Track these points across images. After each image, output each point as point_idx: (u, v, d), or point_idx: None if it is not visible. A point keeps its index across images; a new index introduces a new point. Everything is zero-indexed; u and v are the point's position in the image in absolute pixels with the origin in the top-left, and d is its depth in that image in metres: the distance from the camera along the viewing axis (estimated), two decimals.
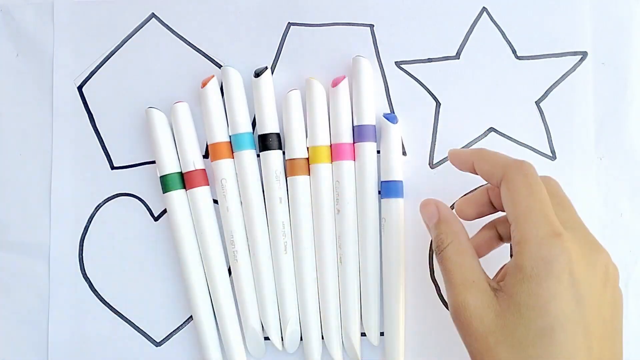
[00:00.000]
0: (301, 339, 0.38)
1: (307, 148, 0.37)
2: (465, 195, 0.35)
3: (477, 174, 0.32)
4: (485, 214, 0.34)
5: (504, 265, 0.33)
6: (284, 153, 0.38)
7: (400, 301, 0.36)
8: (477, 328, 0.27)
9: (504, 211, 0.31)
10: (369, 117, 0.37)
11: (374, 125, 0.37)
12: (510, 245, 0.34)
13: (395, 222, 0.35)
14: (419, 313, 0.37)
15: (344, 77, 0.37)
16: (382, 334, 0.37)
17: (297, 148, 0.37)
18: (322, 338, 0.38)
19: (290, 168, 0.37)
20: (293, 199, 0.37)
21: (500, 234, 0.34)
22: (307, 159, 0.37)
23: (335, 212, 0.37)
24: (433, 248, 0.32)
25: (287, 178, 0.38)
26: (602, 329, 0.27)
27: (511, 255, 0.33)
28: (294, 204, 0.37)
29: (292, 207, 0.37)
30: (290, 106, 0.37)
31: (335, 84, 0.37)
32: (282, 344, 0.38)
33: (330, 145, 0.37)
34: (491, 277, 0.30)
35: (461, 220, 0.32)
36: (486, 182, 0.33)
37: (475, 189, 0.35)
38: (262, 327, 0.38)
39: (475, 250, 0.32)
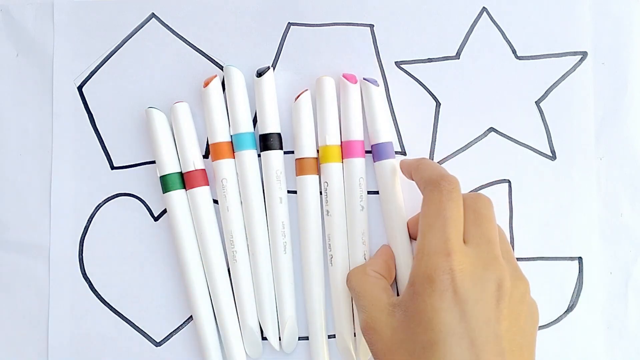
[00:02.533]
0: (298, 339, 0.38)
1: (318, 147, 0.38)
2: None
3: None
4: None
5: None
6: (284, 153, 0.38)
7: None
8: (379, 347, 0.30)
9: None
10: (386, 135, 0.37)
11: (391, 142, 0.37)
12: None
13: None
14: None
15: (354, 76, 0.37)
16: None
17: (306, 147, 0.37)
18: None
19: (299, 167, 0.37)
20: (302, 198, 0.37)
21: None
22: (317, 158, 0.38)
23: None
24: None
25: (297, 177, 0.38)
26: (494, 343, 0.27)
27: None
28: (302, 203, 0.37)
29: (300, 207, 0.37)
30: (302, 106, 0.37)
31: (350, 78, 0.37)
32: (280, 345, 0.38)
33: (341, 144, 0.37)
34: None
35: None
36: None
37: None
38: (260, 327, 0.38)
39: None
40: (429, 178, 0.31)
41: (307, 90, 0.38)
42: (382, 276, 0.34)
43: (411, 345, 0.28)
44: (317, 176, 0.38)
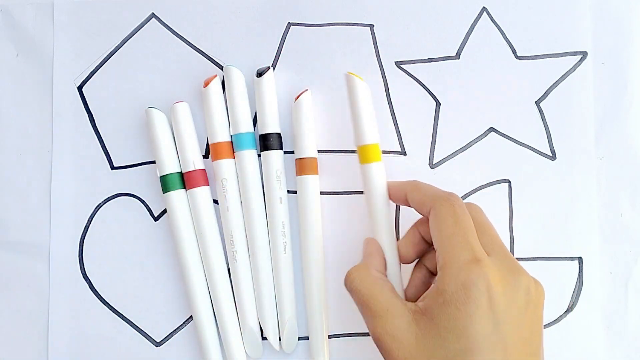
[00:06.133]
0: (299, 339, 0.38)
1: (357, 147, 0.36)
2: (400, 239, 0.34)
3: (409, 205, 0.33)
4: (423, 251, 0.34)
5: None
6: (284, 153, 0.38)
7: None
8: (398, 354, 0.28)
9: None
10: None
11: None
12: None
13: None
14: None
15: None
16: None
17: (306, 147, 0.37)
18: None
19: (299, 167, 0.37)
20: (302, 198, 0.37)
21: (430, 270, 0.34)
22: (316, 158, 0.38)
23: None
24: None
25: (296, 177, 0.38)
26: (522, 346, 0.28)
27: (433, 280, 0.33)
28: (302, 203, 0.37)
29: (300, 207, 0.37)
30: (302, 106, 0.37)
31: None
32: (280, 345, 0.38)
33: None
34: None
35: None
36: (417, 219, 0.34)
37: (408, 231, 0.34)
38: (260, 327, 0.38)
39: (413, 291, 0.33)
40: (436, 194, 0.31)
41: (307, 90, 0.38)
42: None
43: (442, 353, 0.27)
44: (317, 176, 0.38)
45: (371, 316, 0.30)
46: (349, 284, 0.32)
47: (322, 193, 0.38)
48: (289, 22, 0.39)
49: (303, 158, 0.37)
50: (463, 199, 0.38)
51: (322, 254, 0.37)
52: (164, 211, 0.39)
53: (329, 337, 0.38)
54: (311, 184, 0.37)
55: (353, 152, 0.38)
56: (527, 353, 0.28)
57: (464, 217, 0.30)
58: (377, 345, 0.30)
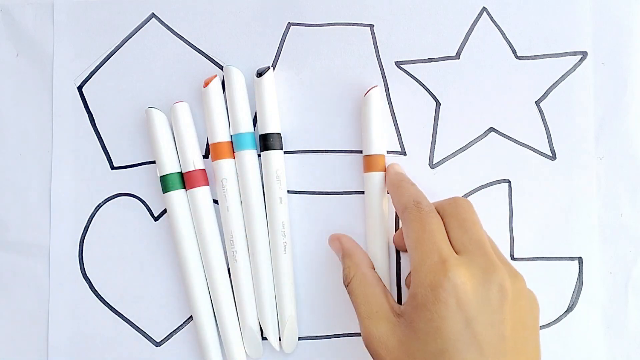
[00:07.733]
0: (299, 339, 0.38)
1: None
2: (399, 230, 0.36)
3: None
4: None
5: None
6: (284, 153, 0.38)
7: None
8: (384, 356, 0.30)
9: None
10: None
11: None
12: None
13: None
14: None
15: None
16: None
17: (374, 144, 0.37)
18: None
19: (367, 164, 0.37)
20: (369, 195, 0.37)
21: None
22: (384, 155, 0.38)
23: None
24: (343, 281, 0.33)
25: (364, 174, 0.37)
26: (501, 345, 0.28)
27: None
28: (370, 200, 0.37)
29: (367, 204, 0.37)
30: (372, 102, 0.37)
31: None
32: (280, 345, 0.38)
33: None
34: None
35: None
36: None
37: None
38: (260, 327, 0.38)
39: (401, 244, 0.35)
40: (407, 202, 0.32)
41: (376, 86, 0.37)
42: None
43: (422, 355, 0.28)
44: (383, 173, 0.37)
45: (361, 318, 0.31)
46: (347, 282, 0.33)
47: (316, 193, 0.38)
48: (289, 22, 0.39)
49: (370, 155, 0.37)
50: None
51: (387, 249, 0.37)
52: (164, 211, 0.39)
53: (323, 337, 0.38)
54: (378, 180, 0.37)
55: (354, 152, 0.39)
56: (505, 351, 0.28)
57: (430, 219, 0.31)
58: (365, 346, 0.31)
